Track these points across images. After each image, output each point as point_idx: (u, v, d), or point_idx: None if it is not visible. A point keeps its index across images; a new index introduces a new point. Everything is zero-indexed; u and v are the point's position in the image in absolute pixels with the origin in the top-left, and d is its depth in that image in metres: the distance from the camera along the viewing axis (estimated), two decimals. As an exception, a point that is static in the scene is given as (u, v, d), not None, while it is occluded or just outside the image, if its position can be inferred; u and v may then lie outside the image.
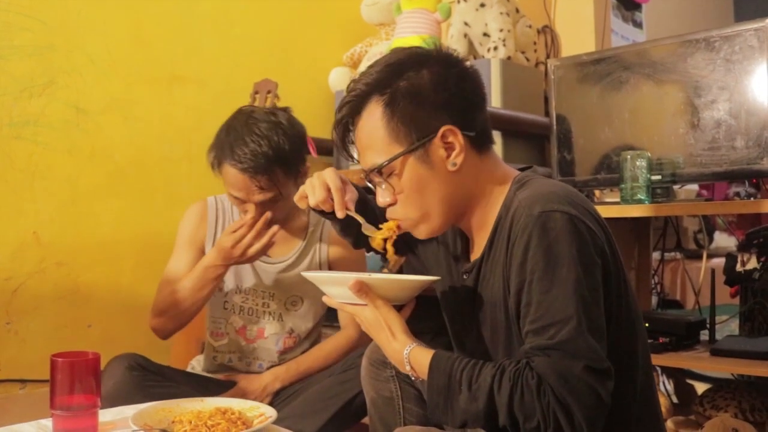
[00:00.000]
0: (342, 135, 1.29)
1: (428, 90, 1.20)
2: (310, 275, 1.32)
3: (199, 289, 1.78)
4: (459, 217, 1.29)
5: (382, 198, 1.27)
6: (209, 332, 1.96)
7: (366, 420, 1.59)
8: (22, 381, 2.45)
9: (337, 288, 1.27)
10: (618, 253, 1.20)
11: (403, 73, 1.21)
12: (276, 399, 1.84)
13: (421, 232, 1.28)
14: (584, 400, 1.03)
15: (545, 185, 1.19)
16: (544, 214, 1.11)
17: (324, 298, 1.31)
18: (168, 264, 1.91)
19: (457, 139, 1.21)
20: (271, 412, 1.38)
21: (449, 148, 1.21)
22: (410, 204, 1.24)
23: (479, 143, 1.25)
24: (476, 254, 1.29)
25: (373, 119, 1.22)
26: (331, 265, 1.93)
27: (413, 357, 1.19)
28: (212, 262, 1.76)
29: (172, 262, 1.90)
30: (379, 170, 1.23)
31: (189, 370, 2.01)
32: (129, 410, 1.42)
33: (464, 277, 1.32)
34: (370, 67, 1.25)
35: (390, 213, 1.28)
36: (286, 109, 1.84)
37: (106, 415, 1.44)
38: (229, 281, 1.90)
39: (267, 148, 1.71)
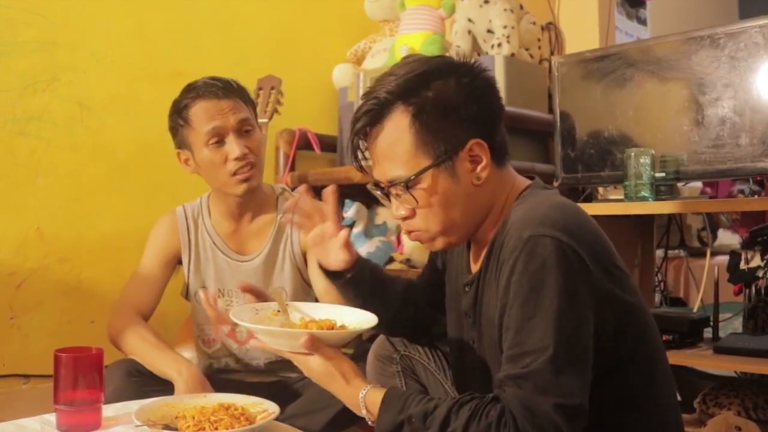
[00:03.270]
0: (358, 144, 1.24)
1: (457, 102, 1.17)
2: (247, 325, 1.27)
3: (149, 365, 1.74)
4: (474, 232, 1.27)
5: (397, 211, 1.23)
6: (199, 340, 1.95)
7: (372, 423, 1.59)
8: (26, 376, 2.45)
9: (277, 339, 1.25)
10: (619, 272, 1.16)
11: (430, 83, 1.18)
12: (279, 397, 1.83)
13: (438, 245, 1.26)
14: None
15: (541, 205, 1.15)
16: (532, 238, 1.07)
17: (254, 343, 1.28)
18: (141, 263, 1.91)
19: (484, 152, 1.18)
20: (274, 408, 1.38)
21: (475, 161, 1.19)
22: (433, 217, 1.21)
23: (500, 156, 1.23)
24: (477, 267, 1.28)
25: (399, 130, 1.17)
26: (305, 250, 1.90)
27: (369, 398, 1.17)
28: (175, 375, 1.68)
29: (142, 267, 1.90)
30: (405, 184, 1.18)
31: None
32: (132, 405, 1.42)
33: (465, 289, 1.30)
34: (389, 74, 1.20)
35: (407, 226, 1.24)
36: None
37: (109, 411, 1.44)
38: (210, 286, 1.90)
39: (224, 80, 1.82)
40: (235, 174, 1.77)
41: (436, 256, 1.48)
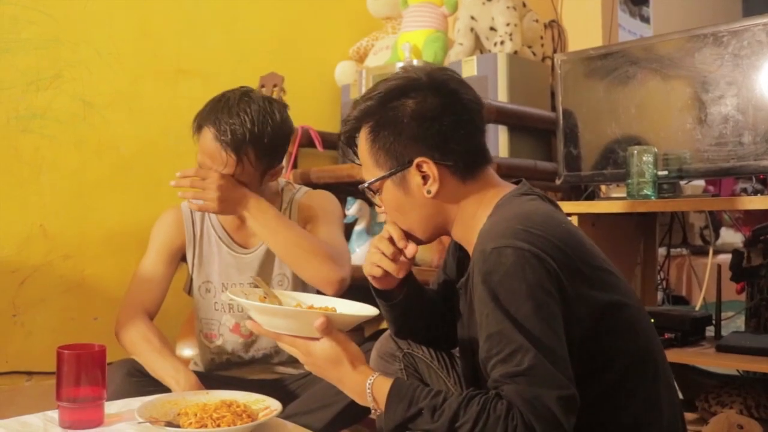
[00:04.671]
0: (347, 147, 1.39)
1: (406, 121, 1.26)
2: (257, 304, 1.25)
3: (148, 368, 1.74)
4: (443, 233, 1.34)
5: (378, 208, 1.36)
6: (201, 334, 1.95)
7: (373, 415, 1.59)
8: (29, 373, 2.46)
9: (285, 320, 1.21)
10: (595, 272, 1.17)
11: (389, 102, 1.28)
12: (281, 395, 1.83)
13: (420, 241, 1.36)
14: (549, 429, 1.03)
15: (507, 217, 1.19)
16: (495, 250, 1.11)
17: (249, 324, 1.26)
18: (142, 262, 1.90)
19: (431, 170, 1.26)
20: (276, 405, 1.39)
21: (425, 177, 1.27)
22: (393, 218, 1.34)
23: (462, 170, 1.28)
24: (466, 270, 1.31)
25: (362, 144, 1.32)
26: (303, 226, 1.91)
27: (376, 387, 1.18)
28: (173, 384, 1.67)
29: (148, 263, 1.89)
30: (364, 188, 1.33)
31: (191, 366, 2.02)
32: (135, 402, 1.43)
33: (460, 291, 1.34)
34: (369, 91, 1.32)
35: (388, 219, 1.37)
36: (284, 105, 1.87)
37: (111, 407, 1.45)
38: (215, 281, 1.90)
39: (248, 129, 1.73)
40: None
41: (446, 256, 1.51)
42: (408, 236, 1.34)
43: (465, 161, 1.28)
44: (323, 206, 1.94)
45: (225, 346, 1.92)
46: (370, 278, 1.40)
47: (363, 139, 1.31)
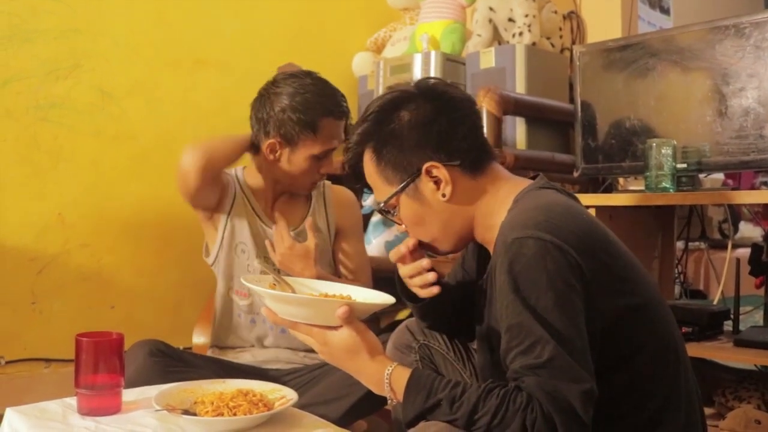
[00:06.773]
0: (354, 174, 1.38)
1: (405, 132, 1.26)
2: (275, 293, 1.24)
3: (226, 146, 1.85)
4: (468, 240, 1.34)
5: (397, 227, 1.36)
6: (231, 290, 1.96)
7: (389, 406, 1.59)
8: (47, 360, 2.48)
9: (305, 309, 1.20)
10: (616, 262, 1.17)
11: (385, 119, 1.28)
12: (297, 384, 1.84)
13: (440, 251, 1.35)
14: (568, 422, 1.03)
15: (528, 208, 1.19)
16: (517, 240, 1.11)
17: (264, 311, 1.25)
18: None
19: (441, 173, 1.26)
20: (292, 395, 1.39)
21: (437, 181, 1.26)
22: (415, 233, 1.33)
23: (470, 167, 1.28)
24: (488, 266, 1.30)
25: (368, 166, 1.32)
26: (337, 230, 2.02)
27: (394, 377, 1.17)
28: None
29: None
30: (380, 209, 1.33)
31: (208, 353, 2.02)
32: (152, 390, 1.43)
33: (483, 286, 1.34)
34: (363, 114, 1.32)
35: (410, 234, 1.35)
36: None
37: (129, 395, 1.45)
38: (249, 245, 1.92)
39: (343, 98, 1.88)
40: (312, 183, 1.91)
41: (464, 251, 1.51)
42: (431, 249, 1.34)
43: (471, 157, 1.28)
44: (355, 220, 2.06)
45: (253, 308, 1.93)
46: (424, 293, 1.36)
47: (368, 162, 1.31)
